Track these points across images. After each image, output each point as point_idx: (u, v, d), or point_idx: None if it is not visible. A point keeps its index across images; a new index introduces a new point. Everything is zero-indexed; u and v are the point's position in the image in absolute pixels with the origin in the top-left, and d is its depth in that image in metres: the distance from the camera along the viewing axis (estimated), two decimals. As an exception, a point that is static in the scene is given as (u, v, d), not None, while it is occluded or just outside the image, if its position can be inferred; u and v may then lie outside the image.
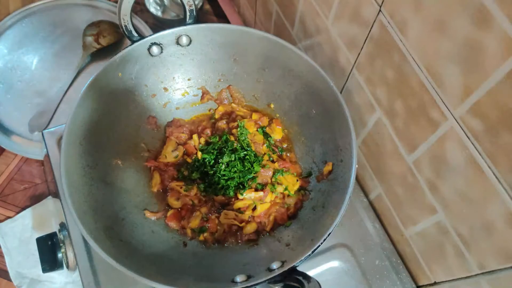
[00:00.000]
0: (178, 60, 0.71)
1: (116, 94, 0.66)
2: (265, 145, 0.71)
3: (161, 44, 0.67)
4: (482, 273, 0.51)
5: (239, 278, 0.53)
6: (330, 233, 0.52)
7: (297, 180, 0.68)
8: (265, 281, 0.50)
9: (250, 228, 0.65)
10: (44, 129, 0.78)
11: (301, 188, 0.68)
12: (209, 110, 0.76)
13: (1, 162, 1.06)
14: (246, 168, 0.67)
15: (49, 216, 1.00)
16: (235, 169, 0.67)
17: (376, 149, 0.66)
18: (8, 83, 1.00)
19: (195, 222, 0.65)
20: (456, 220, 0.52)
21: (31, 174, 1.05)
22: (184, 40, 0.68)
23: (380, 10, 0.52)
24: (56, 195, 0.75)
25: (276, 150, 0.72)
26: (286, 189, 0.67)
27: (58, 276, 0.95)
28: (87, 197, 0.57)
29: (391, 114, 0.59)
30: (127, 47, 0.65)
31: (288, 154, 0.72)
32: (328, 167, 0.64)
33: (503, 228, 0.45)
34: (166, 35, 0.67)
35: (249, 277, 0.53)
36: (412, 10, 0.47)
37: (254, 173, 0.67)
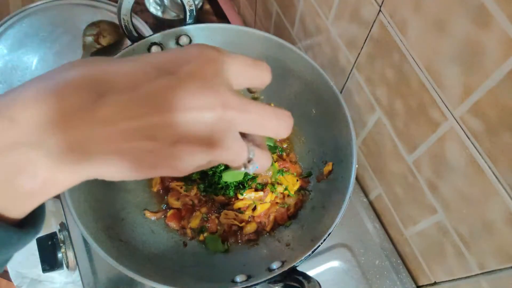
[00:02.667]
0: (178, 60, 0.70)
1: (116, 94, 0.66)
2: (265, 145, 0.71)
3: (161, 44, 0.67)
4: (482, 273, 0.51)
5: (239, 278, 0.53)
6: (330, 233, 0.52)
7: (297, 180, 0.68)
8: (265, 281, 0.50)
9: (250, 228, 0.65)
10: (44, 129, 0.78)
11: (301, 188, 0.68)
12: (209, 110, 0.76)
13: (1, 162, 1.05)
14: (246, 168, 0.67)
15: (49, 216, 1.00)
16: (235, 169, 0.67)
17: (376, 149, 0.66)
18: (8, 83, 1.00)
19: (195, 222, 0.65)
20: (456, 220, 0.52)
21: (31, 174, 1.05)
22: (184, 40, 0.68)
23: (380, 10, 0.52)
24: (56, 195, 0.75)
25: (276, 150, 0.72)
26: (286, 189, 0.67)
27: (58, 276, 0.95)
28: (87, 196, 0.57)
29: (391, 114, 0.59)
30: (127, 47, 0.65)
31: (288, 154, 0.72)
32: (328, 167, 0.64)
33: (503, 228, 0.45)
34: (166, 35, 0.66)
35: (249, 277, 0.53)
36: (412, 10, 0.47)
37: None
